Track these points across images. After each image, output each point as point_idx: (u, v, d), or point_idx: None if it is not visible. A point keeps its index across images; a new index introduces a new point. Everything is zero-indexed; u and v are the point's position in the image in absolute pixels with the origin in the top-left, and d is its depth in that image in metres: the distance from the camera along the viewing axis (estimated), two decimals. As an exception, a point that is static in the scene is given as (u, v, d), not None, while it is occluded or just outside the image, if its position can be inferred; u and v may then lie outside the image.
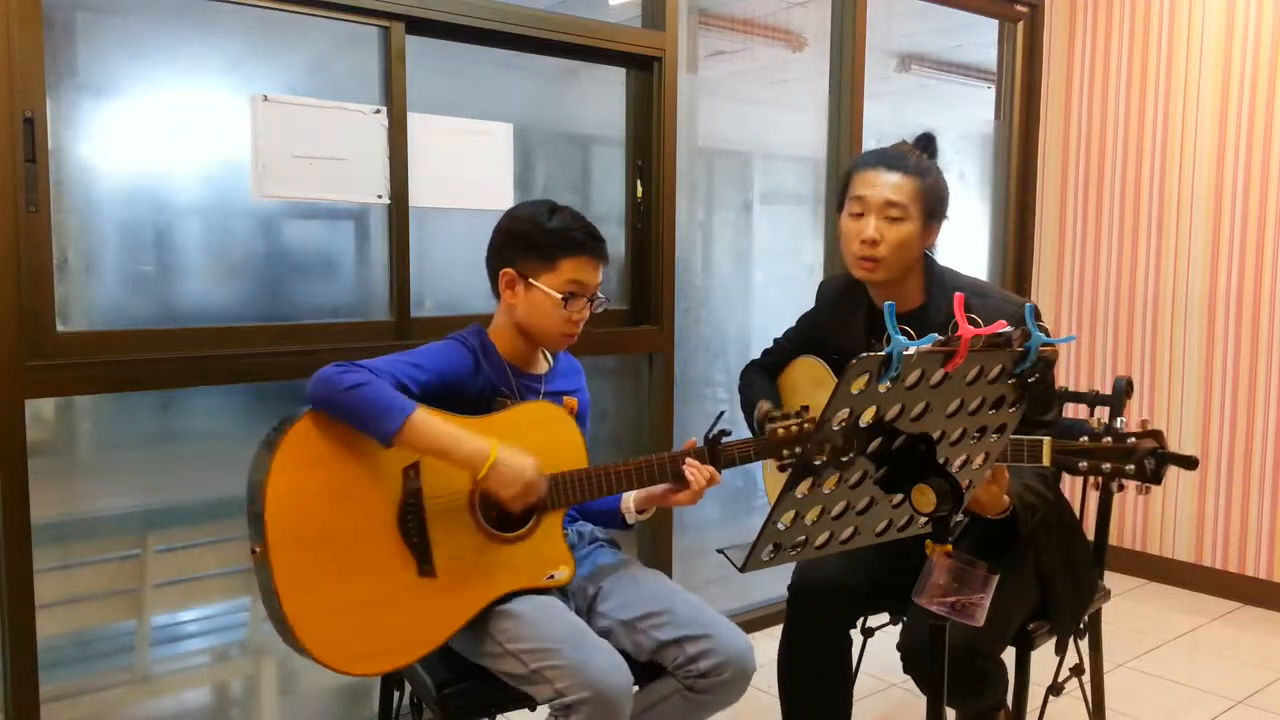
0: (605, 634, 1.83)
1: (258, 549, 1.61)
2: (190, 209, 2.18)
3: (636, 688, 1.84)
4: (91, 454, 2.17)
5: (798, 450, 1.86)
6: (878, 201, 1.91)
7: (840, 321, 2.13)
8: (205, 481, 2.26)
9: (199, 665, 2.34)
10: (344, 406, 1.63)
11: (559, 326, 1.86)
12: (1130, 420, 1.54)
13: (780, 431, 1.87)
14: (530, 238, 1.85)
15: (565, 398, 1.97)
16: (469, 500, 1.76)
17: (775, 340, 2.32)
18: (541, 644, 1.67)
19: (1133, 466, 1.48)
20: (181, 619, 2.29)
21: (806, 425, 1.86)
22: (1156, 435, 1.47)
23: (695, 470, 1.82)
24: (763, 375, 2.28)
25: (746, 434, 2.20)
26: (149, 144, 2.11)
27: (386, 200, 2.36)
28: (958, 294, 1.32)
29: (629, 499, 1.94)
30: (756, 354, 2.34)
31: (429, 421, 1.65)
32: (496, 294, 1.92)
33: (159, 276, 2.16)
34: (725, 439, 1.85)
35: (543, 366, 1.98)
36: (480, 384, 1.85)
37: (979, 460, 1.39)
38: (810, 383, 2.20)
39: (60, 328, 2.02)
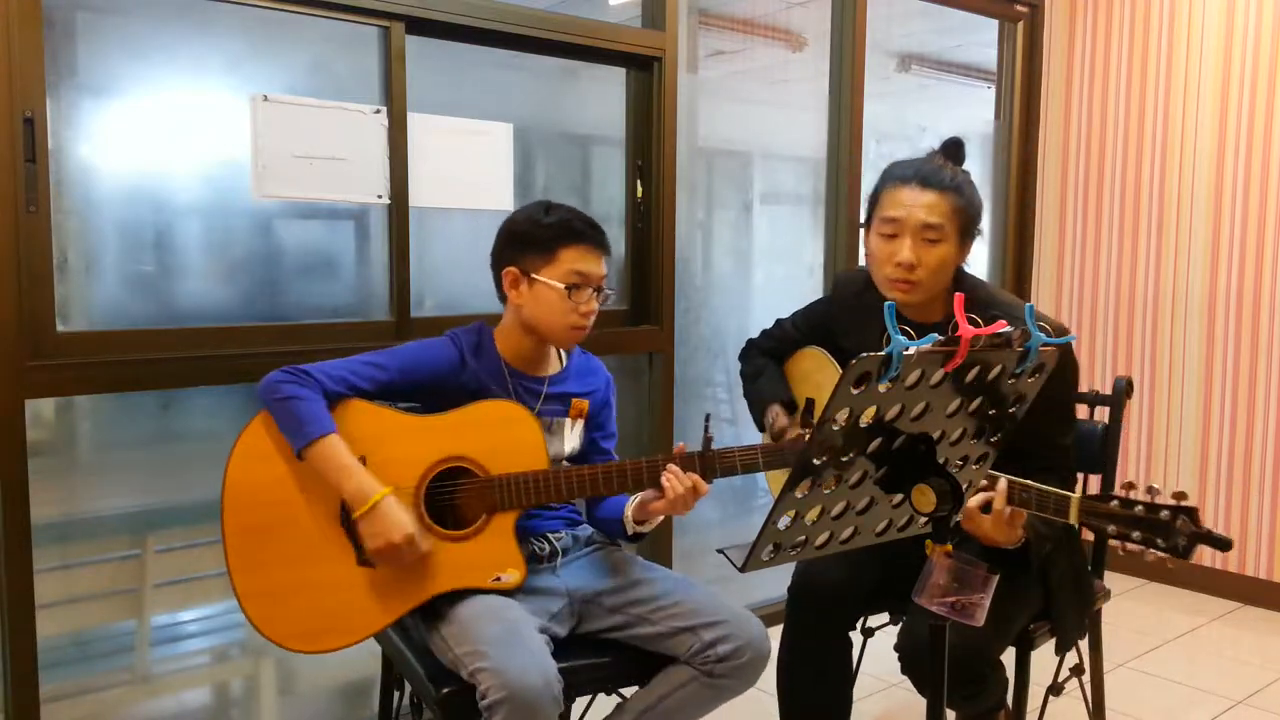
0: (615, 629, 1.84)
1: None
2: (190, 209, 2.18)
3: (635, 687, 1.84)
4: (91, 454, 2.17)
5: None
6: (914, 224, 1.82)
7: (855, 323, 2.05)
8: (205, 481, 2.24)
9: (199, 665, 2.34)
10: (274, 413, 1.75)
11: (566, 319, 1.85)
12: (1151, 485, 1.48)
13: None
14: (529, 234, 1.86)
15: (575, 400, 1.95)
16: (414, 496, 1.77)
17: (779, 322, 2.26)
18: (474, 646, 1.66)
19: (1163, 541, 1.42)
20: (181, 619, 2.29)
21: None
22: (1192, 514, 1.40)
23: (673, 478, 1.75)
24: (771, 361, 2.23)
25: (748, 423, 2.18)
26: (149, 144, 2.11)
27: (386, 200, 2.36)
28: (957, 294, 1.32)
29: (628, 509, 1.89)
30: (756, 353, 2.32)
31: (333, 449, 1.72)
32: (502, 297, 1.91)
33: (159, 276, 2.16)
34: (712, 445, 1.79)
35: (552, 368, 1.96)
36: (465, 381, 1.85)
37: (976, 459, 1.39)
38: (817, 374, 2.18)
39: (60, 328, 2.02)
